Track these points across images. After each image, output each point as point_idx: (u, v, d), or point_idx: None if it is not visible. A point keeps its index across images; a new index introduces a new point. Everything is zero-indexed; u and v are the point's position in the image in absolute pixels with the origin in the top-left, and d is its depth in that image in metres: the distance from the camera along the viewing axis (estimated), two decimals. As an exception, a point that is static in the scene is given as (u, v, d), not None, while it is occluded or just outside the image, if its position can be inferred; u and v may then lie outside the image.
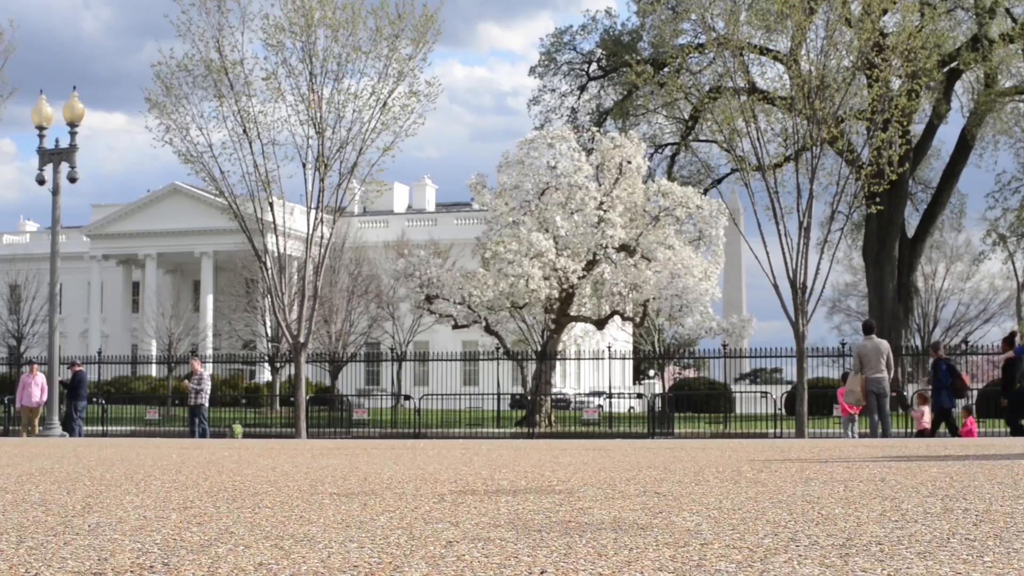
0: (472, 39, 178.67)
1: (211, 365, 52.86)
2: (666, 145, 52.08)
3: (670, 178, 44.52)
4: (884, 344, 21.46)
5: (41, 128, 27.02)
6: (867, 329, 21.88)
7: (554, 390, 43.84)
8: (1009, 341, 23.17)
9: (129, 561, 2.63)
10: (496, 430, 35.46)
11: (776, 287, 30.80)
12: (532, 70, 53.89)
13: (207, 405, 30.29)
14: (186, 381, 30.26)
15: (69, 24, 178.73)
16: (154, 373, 59.85)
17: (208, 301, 76.31)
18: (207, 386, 29.76)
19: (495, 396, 37.89)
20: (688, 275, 36.36)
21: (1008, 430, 22.95)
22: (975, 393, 39.12)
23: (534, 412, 38.04)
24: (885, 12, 34.01)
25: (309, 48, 30.88)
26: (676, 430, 34.71)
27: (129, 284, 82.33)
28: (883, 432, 20.87)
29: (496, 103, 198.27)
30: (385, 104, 31.04)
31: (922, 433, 24.90)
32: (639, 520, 3.26)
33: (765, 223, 31.61)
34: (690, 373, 73.13)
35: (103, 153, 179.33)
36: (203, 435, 29.13)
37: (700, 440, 16.64)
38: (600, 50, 53.09)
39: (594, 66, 53.63)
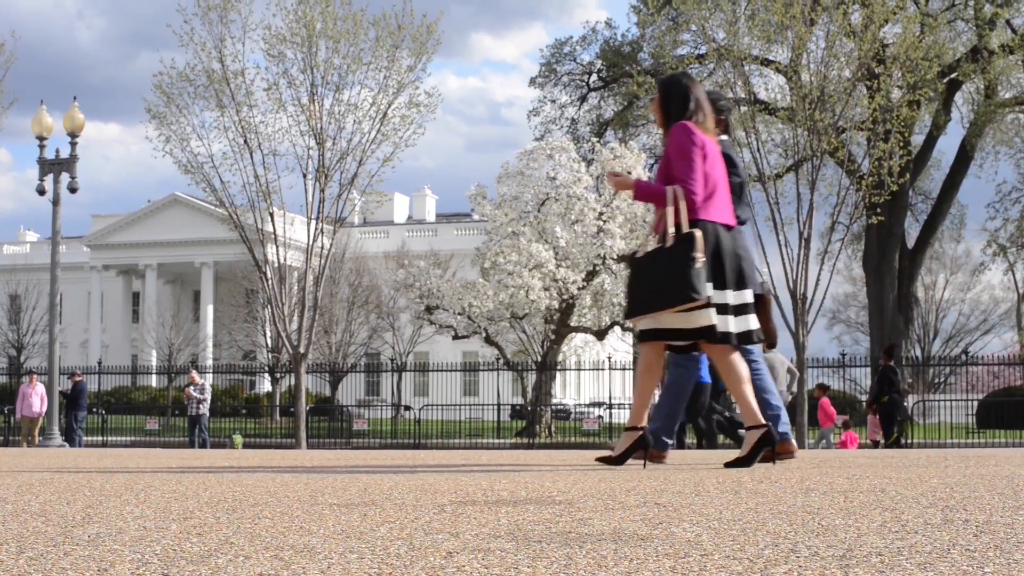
0: (465, 49, 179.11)
1: (211, 375, 52.88)
2: (666, 156, 52.09)
3: (670, 189, 44.49)
4: (783, 358, 22.30)
5: (41, 138, 27.06)
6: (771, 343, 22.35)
7: (554, 400, 43.84)
8: (889, 353, 23.71)
9: (129, 571, 2.63)
10: (496, 440, 35.44)
11: (776, 298, 30.77)
12: (532, 81, 54.01)
13: (208, 415, 30.32)
14: (189, 388, 30.32)
15: (63, 34, 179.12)
16: (154, 383, 59.85)
17: (208, 311, 76.35)
18: (208, 396, 29.82)
19: (495, 407, 37.89)
20: (688, 286, 36.37)
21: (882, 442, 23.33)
22: (974, 403, 39.17)
23: (534, 422, 38.03)
24: (886, 23, 34.09)
25: (310, 59, 30.95)
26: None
27: (129, 294, 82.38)
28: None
29: (490, 113, 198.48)
30: (385, 115, 31.10)
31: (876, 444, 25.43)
32: (639, 531, 3.26)
33: (765, 234, 31.65)
34: (690, 384, 72.97)
35: (99, 163, 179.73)
36: (203, 445, 29.15)
37: (699, 451, 16.62)
38: (600, 61, 53.18)
39: (594, 77, 53.72)
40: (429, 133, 31.31)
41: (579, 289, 37.40)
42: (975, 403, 39.35)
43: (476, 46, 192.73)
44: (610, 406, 42.01)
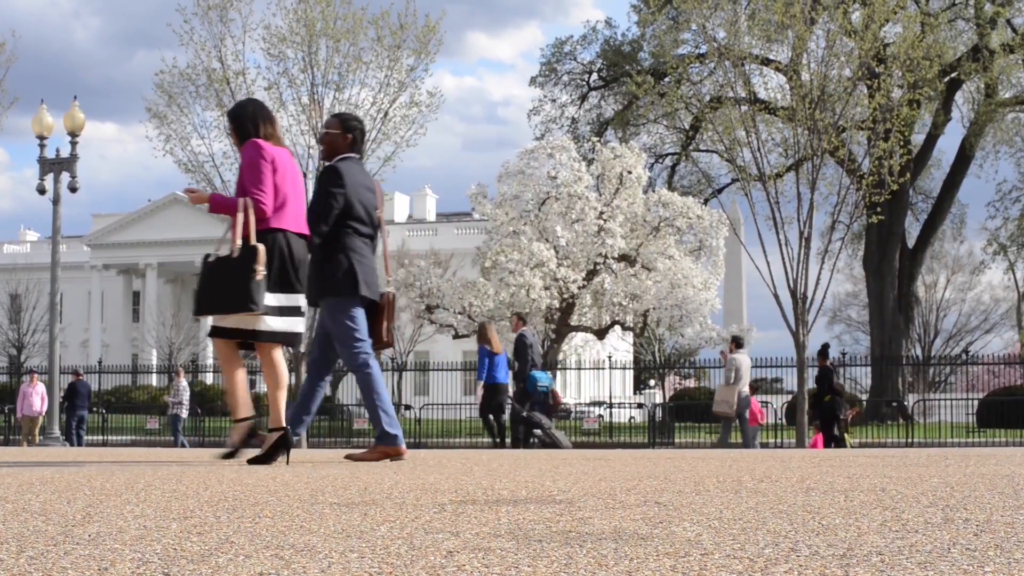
0: (461, 49, 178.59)
1: (211, 375, 52.84)
2: (667, 155, 52.15)
3: (670, 188, 44.56)
4: (748, 360, 23.15)
5: (42, 137, 27.05)
6: (740, 343, 22.68)
7: (554, 400, 43.76)
8: (824, 353, 23.90)
9: (129, 571, 2.63)
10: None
11: (776, 297, 30.81)
12: (533, 80, 54.02)
13: (184, 417, 30.29)
14: (165, 397, 30.47)
15: (59, 34, 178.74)
16: (154, 383, 59.84)
17: (209, 311, 76.28)
18: (185, 396, 29.76)
19: (496, 406, 37.80)
20: (688, 285, 36.37)
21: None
22: (975, 403, 39.16)
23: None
24: (886, 22, 34.07)
25: (310, 58, 30.96)
26: (676, 440, 34.71)
27: (130, 293, 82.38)
28: (721, 443, 21.96)
29: (487, 112, 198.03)
30: (386, 115, 31.10)
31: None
32: (639, 530, 3.26)
33: (765, 233, 31.66)
34: (690, 383, 73.16)
35: (96, 163, 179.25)
36: (173, 445, 29.11)
37: (701, 450, 16.64)
38: (600, 60, 53.18)
39: (594, 76, 53.72)
40: (427, 132, 31.32)
41: (579, 288, 37.36)
42: (975, 402, 39.33)
43: (472, 45, 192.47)
44: (610, 405, 42.03)
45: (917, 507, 3.90)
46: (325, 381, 8.47)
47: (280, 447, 7.30)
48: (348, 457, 8.01)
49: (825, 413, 23.44)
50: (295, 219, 7.37)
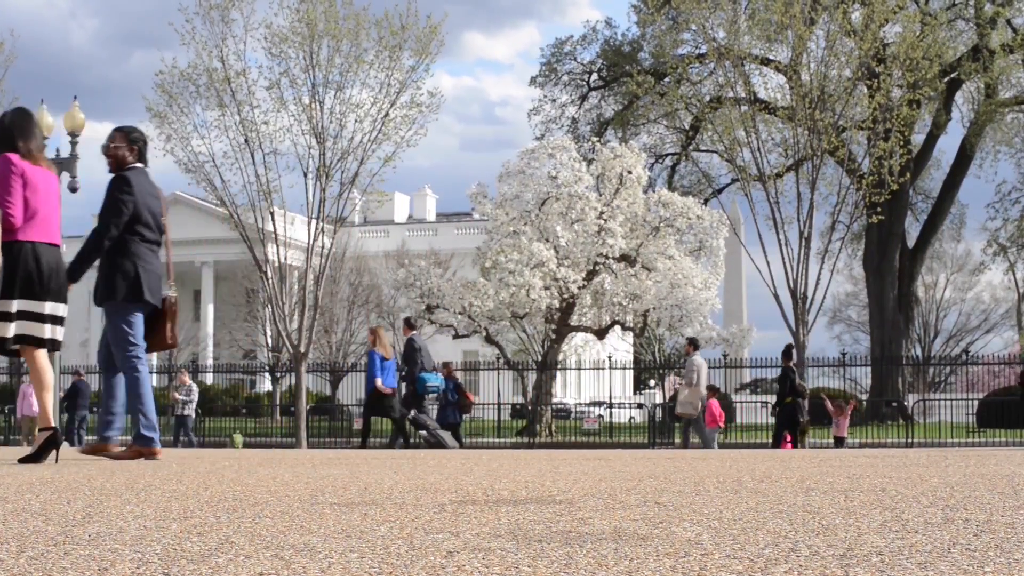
0: (458, 48, 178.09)
1: (211, 375, 52.85)
2: (667, 155, 52.10)
3: (670, 188, 44.53)
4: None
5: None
6: (697, 345, 22.91)
7: (555, 400, 43.80)
8: (787, 353, 23.99)
9: (129, 571, 2.62)
10: (496, 440, 35.40)
11: (776, 297, 30.82)
12: (533, 80, 53.99)
13: (193, 416, 30.31)
14: (175, 394, 30.40)
15: (57, 35, 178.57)
16: (155, 383, 59.81)
17: (209, 311, 76.27)
18: (195, 397, 29.79)
19: (495, 406, 37.84)
20: (688, 285, 36.37)
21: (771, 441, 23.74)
22: (975, 403, 39.15)
23: (535, 422, 38.02)
24: (886, 22, 34.07)
25: (311, 58, 30.95)
26: (676, 440, 34.70)
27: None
28: (707, 443, 22.32)
29: (484, 113, 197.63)
30: (387, 115, 31.10)
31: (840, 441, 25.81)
32: (639, 530, 3.26)
33: (766, 233, 31.69)
34: (691, 383, 72.99)
35: (96, 163, 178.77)
36: (188, 446, 29.14)
37: (700, 450, 16.65)
38: (601, 60, 53.15)
39: (595, 76, 53.68)
40: (427, 132, 31.32)
41: (579, 288, 37.35)
42: (975, 402, 39.31)
43: (469, 45, 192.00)
44: (610, 405, 42.02)
45: (917, 507, 3.90)
46: (119, 376, 8.78)
47: (49, 445, 7.64)
48: (90, 452, 8.54)
49: (786, 415, 23.37)
50: (46, 231, 7.77)
